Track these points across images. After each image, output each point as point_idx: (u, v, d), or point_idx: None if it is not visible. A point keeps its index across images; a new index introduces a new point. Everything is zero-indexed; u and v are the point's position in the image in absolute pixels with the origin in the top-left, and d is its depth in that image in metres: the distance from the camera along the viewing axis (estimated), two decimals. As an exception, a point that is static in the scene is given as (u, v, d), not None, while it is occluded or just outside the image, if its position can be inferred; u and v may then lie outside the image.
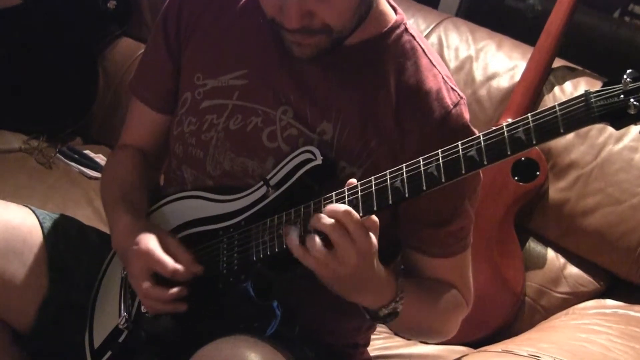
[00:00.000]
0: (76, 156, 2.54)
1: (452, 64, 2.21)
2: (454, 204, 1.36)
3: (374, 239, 1.17)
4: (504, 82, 2.15)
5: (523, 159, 2.02)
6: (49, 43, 2.71)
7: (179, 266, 1.30)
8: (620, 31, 2.72)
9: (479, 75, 2.18)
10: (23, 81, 2.71)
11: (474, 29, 2.30)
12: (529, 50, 2.14)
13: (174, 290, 1.31)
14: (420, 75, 1.34)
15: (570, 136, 2.01)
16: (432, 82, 1.34)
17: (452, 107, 1.32)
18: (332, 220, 1.14)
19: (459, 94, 1.35)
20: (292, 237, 1.19)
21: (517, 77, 2.12)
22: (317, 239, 1.15)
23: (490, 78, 2.17)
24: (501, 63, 2.19)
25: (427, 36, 2.28)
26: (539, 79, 2.06)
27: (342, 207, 1.14)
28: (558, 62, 2.12)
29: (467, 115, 1.35)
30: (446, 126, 1.31)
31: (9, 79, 2.71)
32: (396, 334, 2.03)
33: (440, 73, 1.36)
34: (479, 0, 2.74)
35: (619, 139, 1.98)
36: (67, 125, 2.68)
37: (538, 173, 2.00)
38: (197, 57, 1.46)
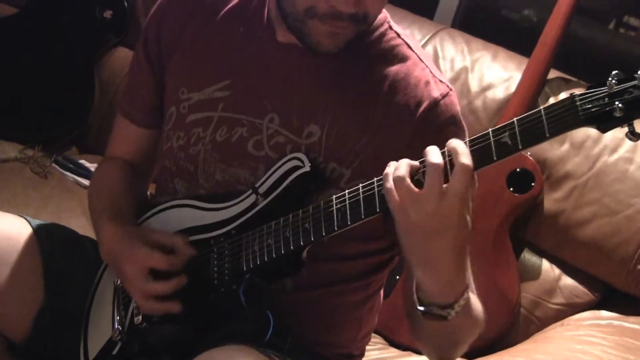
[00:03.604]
0: (71, 166, 2.55)
1: (448, 75, 2.22)
2: None
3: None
4: (499, 93, 2.16)
5: (518, 169, 2.02)
6: (45, 52, 2.71)
7: (171, 255, 1.33)
8: (615, 42, 2.74)
9: (474, 86, 2.19)
10: (19, 90, 2.71)
11: (469, 40, 2.31)
12: (524, 61, 2.15)
13: (173, 280, 1.32)
14: (407, 69, 1.34)
15: (565, 147, 2.02)
16: (419, 75, 1.34)
17: (440, 97, 1.32)
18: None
19: (447, 86, 1.35)
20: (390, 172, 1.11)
21: (513, 88, 2.12)
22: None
23: (485, 89, 2.18)
24: (496, 74, 2.20)
25: (423, 47, 2.29)
26: (534, 90, 2.07)
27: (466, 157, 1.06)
28: (553, 74, 2.13)
29: (456, 108, 1.35)
30: (435, 117, 1.31)
31: (4, 87, 2.71)
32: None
33: (427, 67, 1.36)
34: (474, 11, 2.75)
35: (614, 150, 1.99)
36: (62, 135, 2.68)
37: (533, 184, 2.01)
38: (181, 72, 1.46)
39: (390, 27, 1.39)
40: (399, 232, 1.13)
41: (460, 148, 1.06)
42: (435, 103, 1.32)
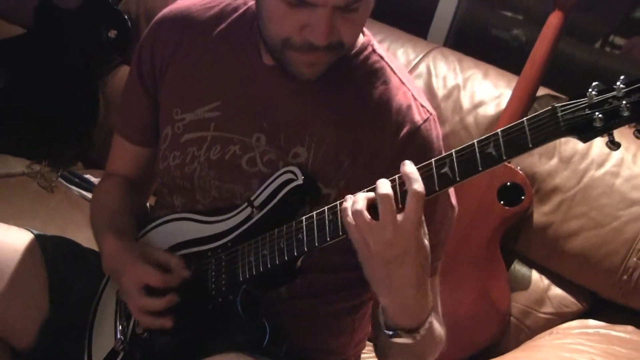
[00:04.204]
0: (77, 180, 2.55)
1: (441, 92, 2.23)
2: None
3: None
4: (490, 109, 2.16)
5: (509, 183, 2.03)
6: (51, 70, 2.73)
7: (167, 274, 1.33)
8: (602, 60, 2.74)
9: (466, 103, 2.19)
10: (26, 107, 2.72)
11: (461, 59, 2.32)
12: (514, 79, 2.16)
13: (165, 298, 1.33)
14: (390, 92, 1.35)
15: (554, 161, 2.03)
16: (401, 99, 1.34)
17: (421, 122, 1.33)
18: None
19: (428, 110, 1.36)
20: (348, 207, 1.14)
21: (503, 105, 2.13)
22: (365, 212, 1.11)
23: (477, 106, 2.18)
24: (487, 91, 2.20)
25: (416, 65, 2.30)
26: (524, 107, 2.07)
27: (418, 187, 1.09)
28: (542, 91, 2.13)
29: (436, 131, 1.36)
30: (416, 142, 1.32)
31: (12, 105, 2.73)
32: None
33: (409, 90, 1.36)
34: (466, 31, 2.76)
35: (600, 165, 1.99)
36: (68, 150, 2.69)
37: (523, 197, 2.01)
38: (174, 92, 1.46)
39: (374, 50, 1.39)
40: (362, 262, 1.16)
41: (413, 175, 1.09)
42: (416, 128, 1.33)
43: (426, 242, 1.14)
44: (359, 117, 1.34)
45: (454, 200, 1.38)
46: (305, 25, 1.20)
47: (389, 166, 1.16)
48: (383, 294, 1.19)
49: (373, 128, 1.33)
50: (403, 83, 1.37)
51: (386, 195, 1.10)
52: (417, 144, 1.32)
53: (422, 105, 1.36)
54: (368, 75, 1.37)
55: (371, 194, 1.13)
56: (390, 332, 1.21)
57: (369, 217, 1.11)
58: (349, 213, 1.13)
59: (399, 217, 1.10)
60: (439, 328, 1.32)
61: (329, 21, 1.19)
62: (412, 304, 1.18)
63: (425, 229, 1.14)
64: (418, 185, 1.09)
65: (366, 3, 1.22)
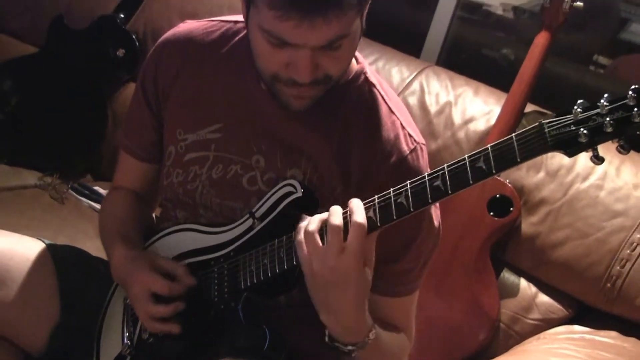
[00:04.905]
0: (86, 192, 2.56)
1: (433, 109, 2.23)
2: (404, 242, 1.34)
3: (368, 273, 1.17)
4: (480, 125, 2.17)
5: (498, 195, 2.04)
6: (62, 87, 2.74)
7: (173, 282, 1.34)
8: (586, 79, 2.75)
9: (457, 119, 2.20)
10: (38, 122, 2.73)
11: (452, 77, 2.33)
12: (503, 96, 2.16)
13: (172, 305, 1.34)
14: (379, 122, 1.35)
15: (541, 175, 2.04)
16: (390, 128, 1.34)
17: (407, 152, 1.33)
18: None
19: (415, 140, 1.36)
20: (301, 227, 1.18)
21: (493, 121, 2.13)
22: (316, 235, 1.15)
23: (467, 122, 2.19)
24: (478, 108, 2.21)
25: (410, 83, 2.31)
26: (513, 123, 2.08)
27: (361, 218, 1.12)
28: (530, 107, 2.14)
29: (423, 160, 1.36)
30: (402, 171, 1.32)
31: (25, 120, 2.74)
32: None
33: (398, 119, 1.36)
34: (457, 50, 2.77)
35: (585, 178, 2.00)
36: (78, 163, 2.70)
37: (512, 209, 2.02)
38: (177, 113, 1.46)
39: (366, 79, 1.39)
40: (306, 280, 1.18)
41: (356, 207, 1.13)
42: (403, 158, 1.33)
43: (368, 272, 1.17)
44: (350, 146, 1.34)
45: (437, 221, 1.38)
46: (289, 63, 1.20)
47: (377, 193, 1.17)
48: (322, 313, 1.22)
49: (362, 158, 1.34)
50: (392, 112, 1.37)
51: (335, 226, 1.13)
52: (403, 173, 1.31)
53: (410, 135, 1.36)
54: (359, 104, 1.36)
55: (326, 217, 1.16)
56: (330, 343, 1.24)
57: (319, 240, 1.14)
58: (301, 232, 1.16)
59: (343, 245, 1.13)
60: (392, 342, 1.35)
61: (310, 61, 1.18)
62: (349, 324, 1.21)
63: (373, 258, 1.17)
64: (359, 217, 1.12)
65: (350, 39, 1.21)
